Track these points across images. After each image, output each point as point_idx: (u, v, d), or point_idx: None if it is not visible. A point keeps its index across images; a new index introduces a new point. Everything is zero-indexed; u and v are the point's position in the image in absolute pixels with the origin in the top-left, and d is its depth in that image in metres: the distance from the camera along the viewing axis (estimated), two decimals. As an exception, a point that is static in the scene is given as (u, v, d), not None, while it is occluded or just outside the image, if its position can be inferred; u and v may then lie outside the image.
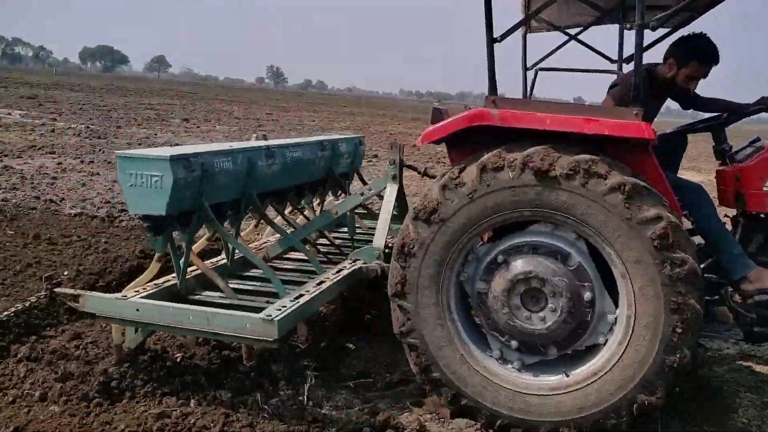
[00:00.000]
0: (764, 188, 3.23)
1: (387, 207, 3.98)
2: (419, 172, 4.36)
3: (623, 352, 2.82)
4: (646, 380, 2.76)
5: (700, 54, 3.51)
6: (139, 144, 14.03)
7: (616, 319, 2.90)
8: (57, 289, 3.23)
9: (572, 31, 4.30)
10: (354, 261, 3.81)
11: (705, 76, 3.57)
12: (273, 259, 4.10)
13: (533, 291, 2.95)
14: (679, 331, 2.69)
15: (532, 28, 4.62)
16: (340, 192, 5.08)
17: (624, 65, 4.39)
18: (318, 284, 3.41)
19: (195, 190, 3.18)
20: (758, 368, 3.98)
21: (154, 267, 3.30)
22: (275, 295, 3.44)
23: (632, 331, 2.79)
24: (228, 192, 3.51)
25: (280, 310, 2.96)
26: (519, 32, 4.06)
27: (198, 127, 20.05)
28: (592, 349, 3.01)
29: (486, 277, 3.06)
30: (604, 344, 2.94)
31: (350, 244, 4.46)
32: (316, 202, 4.92)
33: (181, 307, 3.05)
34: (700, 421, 3.24)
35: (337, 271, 3.64)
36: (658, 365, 2.74)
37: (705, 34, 3.53)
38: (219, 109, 30.19)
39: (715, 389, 3.59)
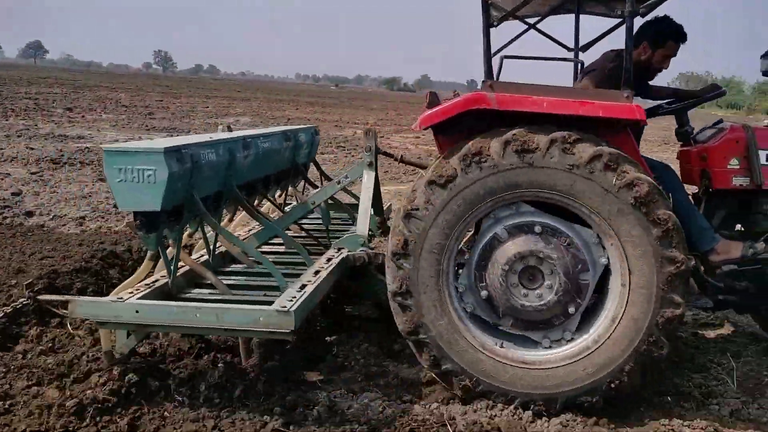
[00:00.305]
0: (728, 166, 3.53)
1: (367, 194, 3.99)
2: (395, 159, 4.37)
3: (623, 314, 3.02)
4: (649, 335, 2.98)
5: (675, 33, 3.79)
6: (19, 136, 13.06)
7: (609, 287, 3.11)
8: (42, 297, 2.98)
9: (532, 21, 4.43)
10: (339, 249, 3.78)
11: (675, 54, 3.86)
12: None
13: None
14: (671, 282, 2.93)
15: (492, 16, 4.68)
16: (300, 182, 5.01)
17: (580, 53, 4.59)
18: (315, 274, 3.36)
19: (186, 183, 3.04)
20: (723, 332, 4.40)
21: (146, 266, 3.11)
22: (268, 289, 3.37)
23: (629, 292, 3.00)
24: (212, 184, 3.39)
25: (291, 300, 2.91)
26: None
27: (83, 116, 18.82)
28: (593, 317, 3.19)
29: None
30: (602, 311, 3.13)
31: (325, 235, 4.41)
32: (278, 193, 4.82)
33: (187, 305, 2.92)
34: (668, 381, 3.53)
35: (327, 260, 3.60)
36: (657, 319, 2.96)
37: (668, 15, 3.82)
38: (104, 96, 28.44)
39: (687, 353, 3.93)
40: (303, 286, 3.14)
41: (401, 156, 4.35)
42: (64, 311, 2.89)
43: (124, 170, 2.85)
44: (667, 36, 3.79)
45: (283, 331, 2.81)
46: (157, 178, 2.84)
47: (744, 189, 3.51)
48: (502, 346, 3.18)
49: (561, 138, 2.94)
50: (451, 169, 3.04)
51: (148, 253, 3.11)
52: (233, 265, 3.86)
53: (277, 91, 56.45)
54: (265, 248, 4.23)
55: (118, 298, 2.95)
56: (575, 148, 2.93)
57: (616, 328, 3.03)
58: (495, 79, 4.40)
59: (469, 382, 3.12)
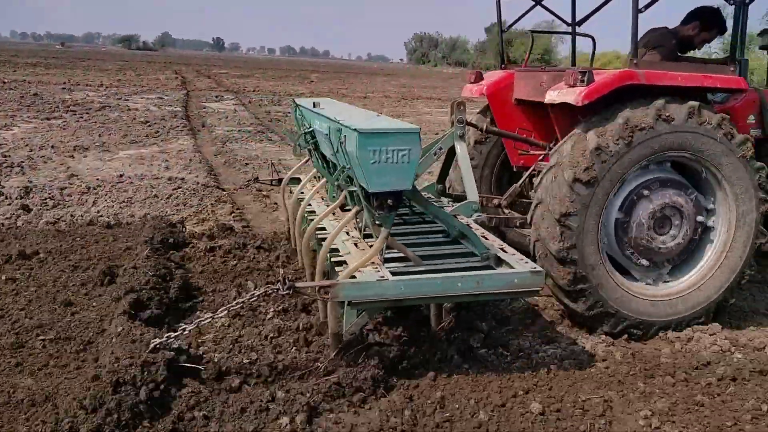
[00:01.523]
0: (747, 122, 4.49)
1: (466, 163, 4.31)
2: (479, 129, 4.73)
3: (733, 239, 4.06)
4: (749, 258, 4.08)
5: (722, 25, 4.79)
6: None
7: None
8: (299, 284, 2.89)
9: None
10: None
11: (711, 42, 4.85)
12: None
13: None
14: (764, 217, 4.06)
15: None
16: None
17: (577, 27, 5.37)
18: (485, 239, 3.66)
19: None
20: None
21: (380, 245, 3.11)
22: (451, 257, 3.54)
23: (735, 227, 4.03)
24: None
25: (527, 262, 3.28)
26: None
27: None
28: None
29: None
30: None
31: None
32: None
33: (449, 276, 3.10)
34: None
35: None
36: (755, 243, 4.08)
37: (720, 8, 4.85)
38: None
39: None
40: (503, 251, 3.47)
41: (485, 126, 4.75)
42: (326, 297, 2.90)
43: (380, 151, 2.88)
44: (715, 24, 4.77)
45: (536, 289, 3.19)
46: (411, 158, 2.93)
47: (757, 138, 4.57)
48: (648, 284, 3.99)
49: (694, 108, 3.76)
50: (615, 138, 3.67)
51: (383, 232, 3.13)
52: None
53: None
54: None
55: (381, 277, 3.02)
56: (703, 115, 3.78)
57: (730, 249, 4.06)
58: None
59: (617, 320, 3.89)
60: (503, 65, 5.35)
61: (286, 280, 2.88)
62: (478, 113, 5.34)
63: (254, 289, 3.90)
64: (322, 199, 4.67)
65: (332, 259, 3.45)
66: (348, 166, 3.15)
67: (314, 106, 4.06)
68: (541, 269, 3.19)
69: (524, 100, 4.82)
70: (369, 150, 2.86)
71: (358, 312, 3.15)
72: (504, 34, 5.50)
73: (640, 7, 3.76)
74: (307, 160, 4.95)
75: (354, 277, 3.07)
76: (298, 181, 5.13)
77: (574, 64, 5.74)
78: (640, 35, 4.14)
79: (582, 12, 5.27)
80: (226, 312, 3.10)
